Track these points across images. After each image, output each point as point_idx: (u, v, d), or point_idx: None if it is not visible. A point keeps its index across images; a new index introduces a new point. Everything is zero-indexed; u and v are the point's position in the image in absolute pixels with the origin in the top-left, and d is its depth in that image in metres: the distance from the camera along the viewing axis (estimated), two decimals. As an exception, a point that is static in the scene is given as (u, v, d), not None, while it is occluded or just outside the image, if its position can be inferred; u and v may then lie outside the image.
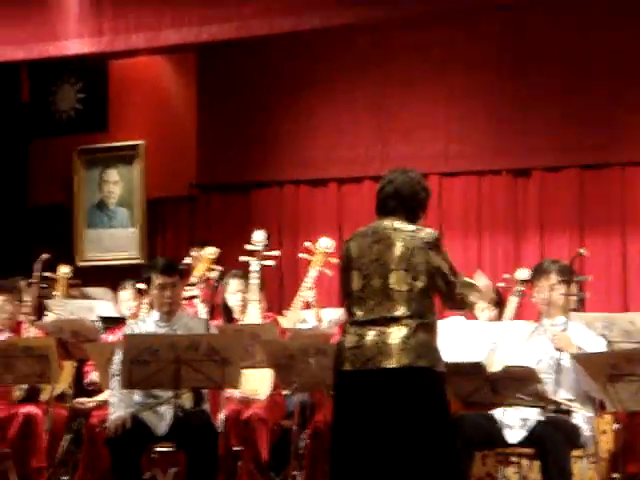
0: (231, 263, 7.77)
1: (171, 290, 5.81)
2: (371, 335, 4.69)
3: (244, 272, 7.23)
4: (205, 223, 9.31)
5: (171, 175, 9.40)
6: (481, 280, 4.96)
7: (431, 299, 4.78)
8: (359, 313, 4.77)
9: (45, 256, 7.62)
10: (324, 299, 8.27)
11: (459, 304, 4.82)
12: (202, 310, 7.16)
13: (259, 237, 7.39)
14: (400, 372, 4.64)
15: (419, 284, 4.70)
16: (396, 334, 4.65)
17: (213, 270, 7.32)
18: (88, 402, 7.03)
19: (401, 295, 4.69)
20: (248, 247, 7.38)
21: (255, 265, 7.27)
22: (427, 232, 4.76)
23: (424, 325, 4.69)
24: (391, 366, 4.63)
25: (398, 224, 4.78)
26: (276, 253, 7.45)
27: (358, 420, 4.70)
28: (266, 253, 7.35)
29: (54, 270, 7.73)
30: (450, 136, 8.48)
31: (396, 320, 4.67)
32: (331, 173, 8.92)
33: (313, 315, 7.35)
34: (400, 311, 4.68)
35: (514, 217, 8.27)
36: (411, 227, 4.78)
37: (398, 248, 4.72)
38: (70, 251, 9.36)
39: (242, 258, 7.35)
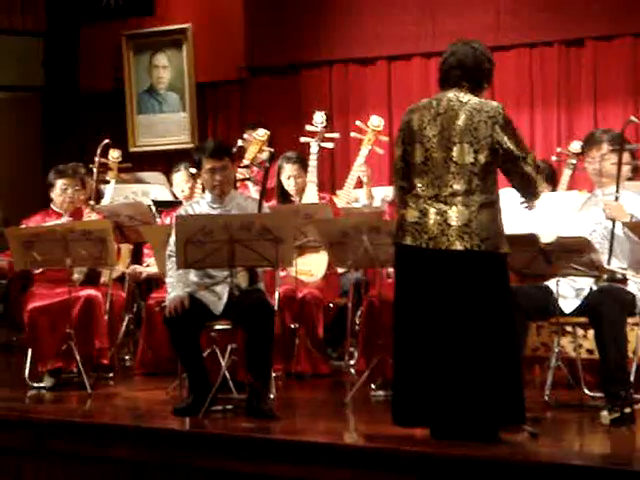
0: (282, 144, 7.79)
1: (221, 173, 5.80)
2: (433, 213, 4.69)
3: (298, 155, 7.20)
4: (255, 105, 9.30)
5: (220, 58, 9.36)
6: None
7: (494, 175, 4.76)
8: (420, 186, 4.76)
9: (106, 141, 7.64)
10: (375, 177, 8.28)
11: (527, 185, 4.76)
12: (254, 191, 7.20)
13: (319, 118, 7.36)
14: (463, 255, 4.66)
15: (482, 159, 4.68)
16: (458, 215, 4.66)
17: (265, 151, 7.33)
18: (142, 270, 7.18)
19: (463, 169, 4.68)
20: (308, 128, 7.36)
21: (315, 146, 7.27)
22: (492, 106, 4.72)
23: (487, 204, 4.69)
24: (454, 248, 4.65)
25: (463, 96, 4.74)
26: (335, 135, 7.42)
27: (419, 294, 4.76)
28: (326, 135, 7.33)
29: (105, 156, 7.78)
30: (500, 8, 8.33)
31: (458, 195, 4.67)
32: (380, 51, 8.83)
33: (365, 193, 7.35)
34: (462, 186, 4.68)
35: (567, 89, 8.16)
36: (476, 100, 4.74)
37: (462, 120, 4.69)
38: (122, 137, 9.40)
39: (303, 139, 7.34)
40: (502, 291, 4.77)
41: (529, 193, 4.87)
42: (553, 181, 6.85)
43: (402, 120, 4.90)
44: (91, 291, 6.66)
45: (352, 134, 7.49)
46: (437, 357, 4.71)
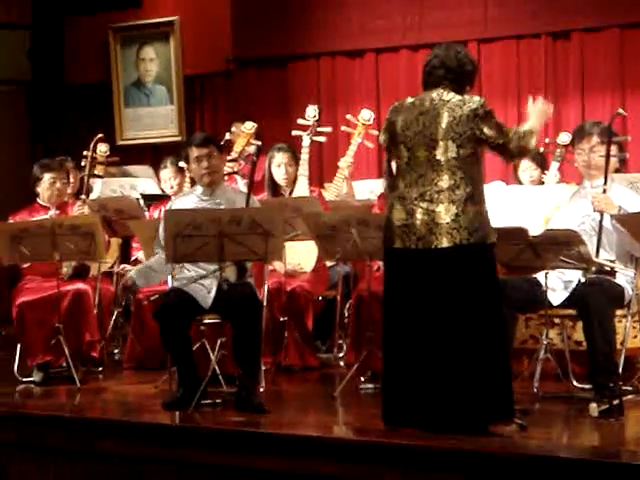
0: (270, 136, 7.77)
1: (208, 160, 5.83)
2: (420, 213, 4.72)
3: (289, 145, 7.18)
4: (242, 98, 9.28)
5: (207, 51, 9.35)
6: (534, 108, 4.97)
7: (478, 166, 4.80)
8: (402, 186, 4.80)
9: (99, 135, 7.60)
10: (364, 170, 8.30)
11: (519, 156, 4.92)
12: (242, 184, 7.18)
13: (312, 112, 7.34)
14: (452, 251, 4.69)
15: (465, 151, 4.72)
16: (446, 212, 4.68)
17: (252, 145, 7.31)
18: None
19: (447, 164, 4.71)
20: (300, 121, 7.33)
21: (307, 140, 7.25)
22: (474, 100, 4.78)
23: (472, 196, 4.71)
24: (443, 246, 4.69)
25: (445, 95, 4.80)
26: (327, 129, 7.40)
27: (409, 295, 4.78)
28: (318, 129, 7.32)
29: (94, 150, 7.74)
30: (488, 1, 8.34)
31: (443, 192, 4.69)
32: (368, 43, 8.83)
33: (345, 187, 7.32)
34: (445, 181, 4.71)
35: (554, 81, 8.18)
36: (458, 97, 4.79)
37: (444, 119, 4.73)
38: (110, 130, 9.37)
39: (295, 132, 7.32)
40: (490, 281, 4.79)
41: (520, 158, 5.15)
42: (543, 167, 6.89)
43: (387, 119, 4.96)
44: (80, 285, 6.64)
45: (343, 128, 7.49)
46: (427, 355, 4.73)
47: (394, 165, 5.19)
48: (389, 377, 4.89)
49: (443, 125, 4.72)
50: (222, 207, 5.82)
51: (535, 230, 5.59)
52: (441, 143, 4.72)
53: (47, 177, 6.82)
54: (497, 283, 4.85)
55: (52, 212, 6.81)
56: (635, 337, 5.86)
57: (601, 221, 5.53)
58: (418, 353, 4.75)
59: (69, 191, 7.24)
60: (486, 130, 4.72)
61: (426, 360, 4.73)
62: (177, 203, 6.03)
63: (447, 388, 4.70)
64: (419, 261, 4.74)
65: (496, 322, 4.78)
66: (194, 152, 5.85)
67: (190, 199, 5.96)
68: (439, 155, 4.72)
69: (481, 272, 4.75)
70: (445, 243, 4.68)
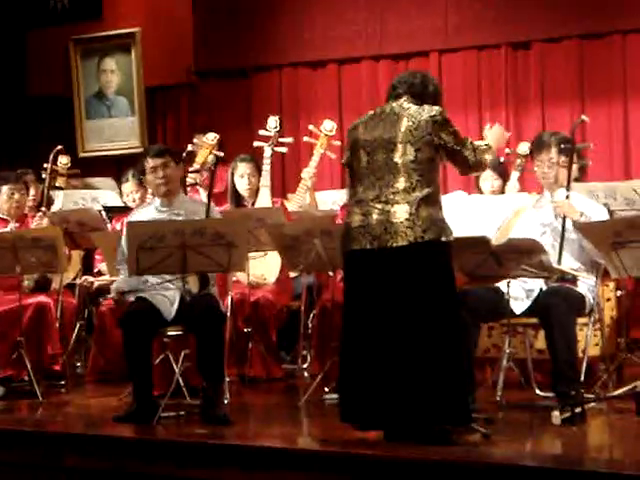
0: (232, 147, 7.76)
1: (163, 170, 5.81)
2: (376, 213, 4.76)
3: (252, 156, 7.19)
4: (205, 109, 9.28)
5: (169, 62, 9.33)
6: (491, 132, 5.12)
7: (435, 172, 4.85)
8: (361, 189, 4.85)
9: (59, 147, 7.56)
10: (327, 181, 8.31)
11: (473, 167, 4.93)
12: (204, 196, 7.17)
13: (273, 123, 7.35)
14: (407, 249, 4.72)
15: (423, 155, 4.77)
16: (400, 211, 4.72)
17: (214, 155, 7.29)
18: (94, 280, 7.13)
19: (404, 167, 4.76)
20: (261, 132, 7.34)
21: (268, 151, 7.25)
22: (433, 109, 4.84)
23: (427, 198, 4.75)
24: (398, 244, 4.71)
25: (406, 105, 4.87)
26: (289, 140, 7.41)
27: (366, 296, 4.80)
28: (280, 139, 7.32)
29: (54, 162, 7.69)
30: (448, 11, 8.40)
31: (399, 193, 4.74)
32: (330, 54, 8.86)
33: (308, 198, 7.33)
34: (401, 183, 4.75)
35: (515, 90, 8.24)
36: (418, 107, 4.86)
37: (404, 123, 4.80)
38: (71, 142, 9.32)
39: (256, 143, 7.32)
40: (447, 279, 4.81)
41: (476, 171, 5.10)
42: (503, 177, 6.93)
43: (348, 136, 5.01)
44: (42, 298, 6.62)
45: (305, 138, 7.50)
46: (384, 357, 4.73)
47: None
48: (344, 378, 4.88)
49: (402, 129, 4.79)
50: (181, 218, 5.80)
51: (497, 239, 5.61)
52: (399, 146, 4.78)
53: (5, 189, 6.80)
54: (453, 280, 4.86)
55: (12, 225, 6.77)
56: (596, 345, 5.90)
57: (563, 226, 5.57)
58: (375, 355, 4.75)
59: (30, 204, 7.19)
60: (444, 135, 4.78)
61: (383, 363, 4.73)
62: (136, 215, 6.01)
63: (404, 393, 4.70)
64: (375, 261, 4.77)
65: (453, 320, 4.78)
66: (149, 163, 5.85)
67: (148, 210, 5.94)
68: (397, 158, 4.77)
69: (437, 269, 4.77)
70: (400, 241, 4.71)
